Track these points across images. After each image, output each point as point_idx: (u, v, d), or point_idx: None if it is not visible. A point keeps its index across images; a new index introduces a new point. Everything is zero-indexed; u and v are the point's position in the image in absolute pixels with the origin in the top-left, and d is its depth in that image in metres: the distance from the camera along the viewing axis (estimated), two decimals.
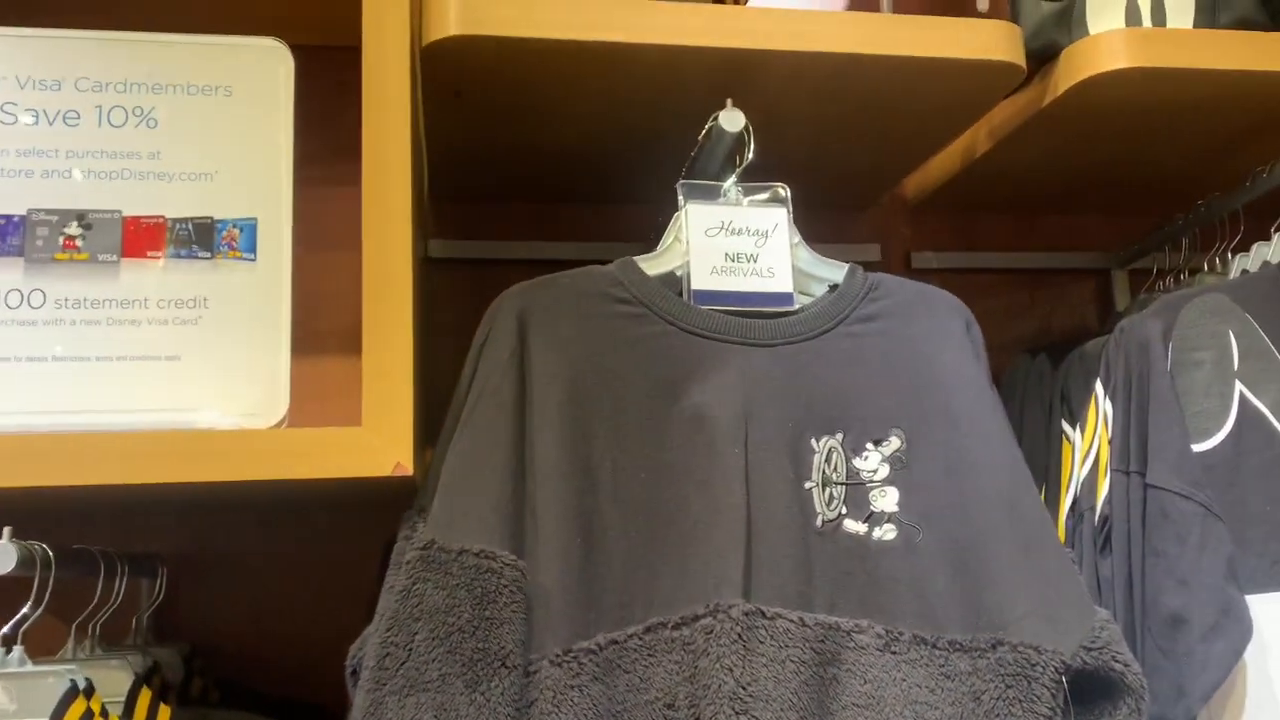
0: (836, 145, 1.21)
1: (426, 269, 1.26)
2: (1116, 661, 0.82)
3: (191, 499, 1.04)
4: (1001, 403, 0.96)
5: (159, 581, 1.08)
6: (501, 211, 1.36)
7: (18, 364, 0.84)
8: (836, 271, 0.97)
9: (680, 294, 0.93)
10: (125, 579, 0.97)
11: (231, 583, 1.22)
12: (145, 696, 0.92)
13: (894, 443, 0.90)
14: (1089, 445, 1.11)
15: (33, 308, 0.85)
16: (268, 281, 0.89)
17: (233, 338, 0.87)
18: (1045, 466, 1.20)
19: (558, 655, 0.79)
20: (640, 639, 0.80)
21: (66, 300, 0.86)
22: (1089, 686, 0.83)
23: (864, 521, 0.87)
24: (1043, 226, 1.54)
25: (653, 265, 0.94)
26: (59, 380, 0.84)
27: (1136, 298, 1.40)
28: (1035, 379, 1.29)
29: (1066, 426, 1.21)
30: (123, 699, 0.89)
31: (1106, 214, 1.54)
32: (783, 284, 0.94)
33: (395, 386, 0.83)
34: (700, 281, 0.93)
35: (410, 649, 0.76)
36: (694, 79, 1.01)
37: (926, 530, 0.87)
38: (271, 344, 0.88)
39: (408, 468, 0.82)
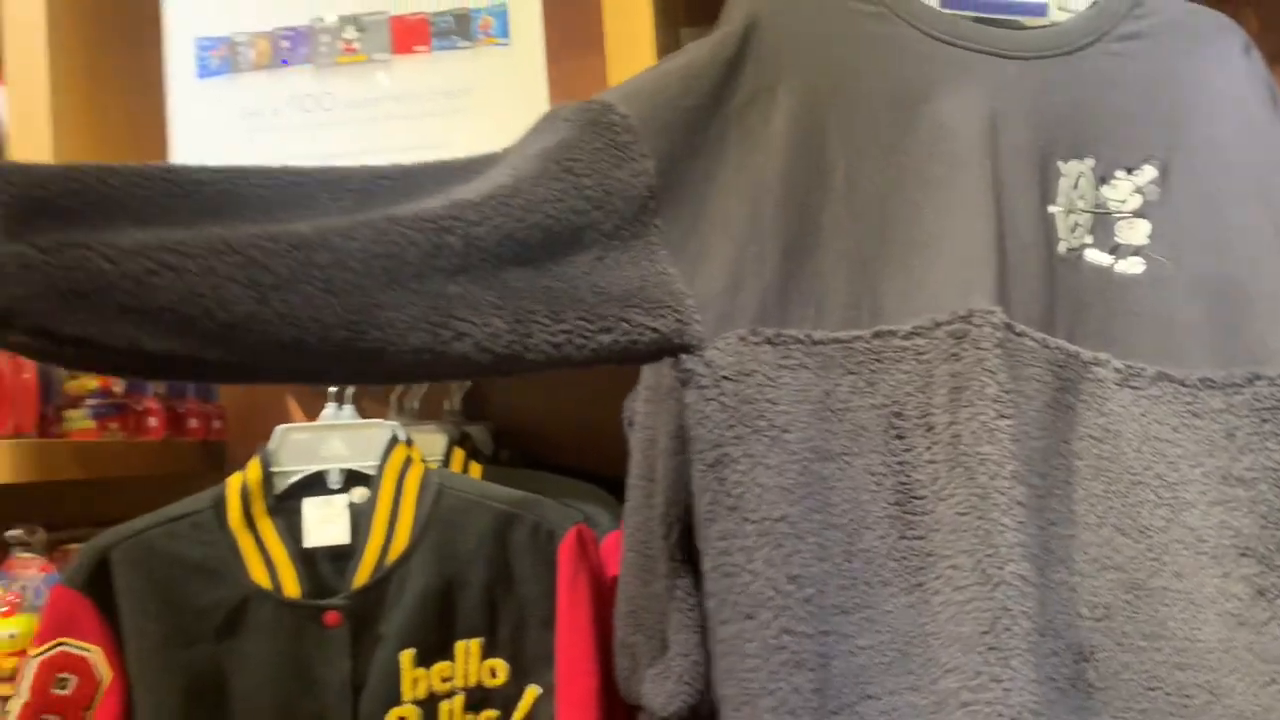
0: None
1: None
2: None
3: None
4: None
5: None
6: None
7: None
8: None
9: None
10: None
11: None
12: (459, 455, 1.05)
13: (1148, 172, 0.84)
14: None
15: (325, 110, 0.97)
16: (523, 66, 0.96)
17: (494, 124, 0.92)
18: None
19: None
20: (867, 344, 0.74)
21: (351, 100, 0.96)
22: None
23: (1109, 252, 0.82)
24: None
25: None
26: None
27: None
28: None
29: None
30: (440, 458, 1.02)
31: None
32: None
33: None
34: None
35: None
36: None
37: (1178, 265, 0.81)
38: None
39: None
